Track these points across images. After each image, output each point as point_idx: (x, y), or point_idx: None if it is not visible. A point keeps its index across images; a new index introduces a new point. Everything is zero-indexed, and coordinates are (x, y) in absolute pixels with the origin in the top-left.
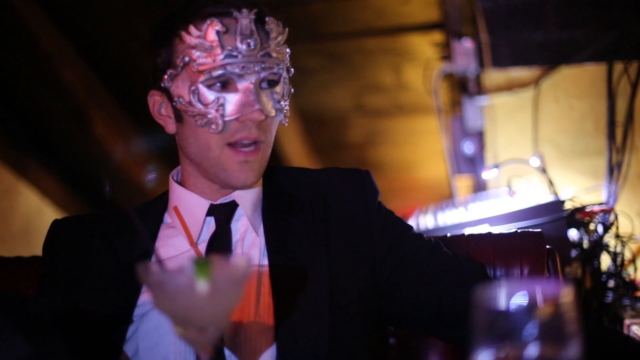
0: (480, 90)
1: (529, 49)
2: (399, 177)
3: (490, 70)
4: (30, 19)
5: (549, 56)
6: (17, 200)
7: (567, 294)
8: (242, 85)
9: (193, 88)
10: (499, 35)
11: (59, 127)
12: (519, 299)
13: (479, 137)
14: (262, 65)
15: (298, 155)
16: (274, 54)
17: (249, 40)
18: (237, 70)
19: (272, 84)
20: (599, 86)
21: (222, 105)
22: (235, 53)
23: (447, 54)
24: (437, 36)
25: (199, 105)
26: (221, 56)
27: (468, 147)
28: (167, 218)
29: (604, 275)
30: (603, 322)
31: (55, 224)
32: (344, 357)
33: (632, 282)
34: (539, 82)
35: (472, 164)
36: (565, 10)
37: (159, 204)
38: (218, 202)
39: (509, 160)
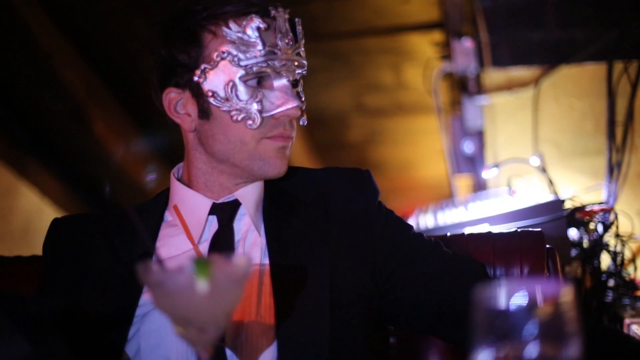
0: (480, 89)
1: (529, 48)
2: (399, 176)
3: (490, 70)
4: (30, 19)
5: (549, 56)
6: (17, 199)
7: (567, 294)
8: (279, 82)
9: (231, 84)
10: (498, 35)
11: (59, 127)
12: (519, 299)
13: (479, 136)
14: (297, 64)
15: (298, 155)
16: (303, 54)
17: (287, 38)
18: (277, 67)
19: (296, 83)
20: (599, 86)
21: (261, 101)
22: (276, 50)
23: (447, 54)
24: (437, 36)
25: (236, 101)
26: (263, 52)
27: (468, 147)
28: (168, 216)
29: (604, 275)
30: (603, 322)
31: (55, 222)
32: (345, 356)
33: (632, 282)
34: (538, 81)
35: (472, 163)
36: (565, 10)
37: (160, 201)
38: (220, 200)
39: (509, 160)
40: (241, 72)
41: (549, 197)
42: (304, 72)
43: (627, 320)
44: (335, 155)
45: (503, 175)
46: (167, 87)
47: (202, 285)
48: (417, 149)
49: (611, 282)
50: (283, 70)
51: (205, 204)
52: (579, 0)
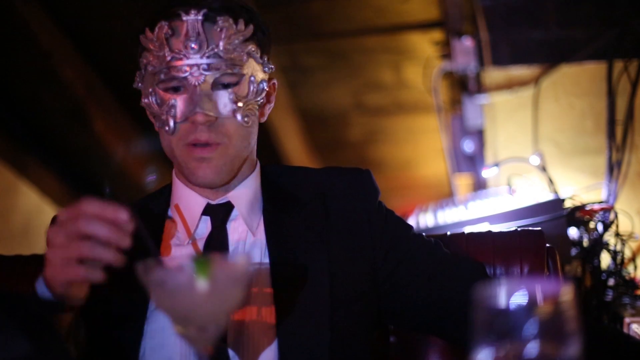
0: (480, 88)
1: (529, 47)
2: (399, 175)
3: (490, 69)
4: (30, 17)
5: (549, 54)
6: (17, 198)
7: (567, 293)
8: (190, 87)
9: (151, 90)
10: (499, 34)
11: (58, 125)
12: (519, 298)
13: (479, 135)
14: (208, 67)
15: (298, 154)
16: (226, 55)
17: (192, 43)
18: (181, 74)
19: (232, 84)
20: (599, 84)
21: (173, 107)
22: (179, 56)
23: (447, 53)
24: (437, 34)
25: (156, 107)
26: (168, 59)
27: (468, 146)
28: (170, 213)
29: (603, 274)
30: (603, 321)
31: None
32: (345, 355)
33: (632, 281)
34: (539, 80)
35: (472, 162)
36: (565, 9)
37: (162, 198)
38: (215, 202)
39: (509, 159)
40: (156, 78)
41: (549, 196)
42: (236, 71)
43: (627, 319)
44: (335, 155)
45: (503, 174)
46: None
47: (202, 284)
48: (417, 148)
49: (611, 281)
50: (188, 75)
51: (200, 202)
52: None
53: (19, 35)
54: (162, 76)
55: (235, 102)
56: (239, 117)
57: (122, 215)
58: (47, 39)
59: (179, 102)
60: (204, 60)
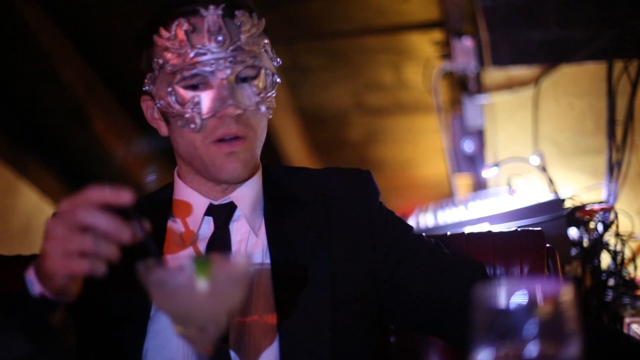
0: (480, 88)
1: (529, 47)
2: (399, 175)
3: (491, 69)
4: (30, 17)
5: (549, 55)
6: (17, 199)
7: (567, 293)
8: (215, 82)
9: (169, 89)
10: (499, 34)
11: (58, 125)
12: (519, 298)
13: (479, 135)
14: (234, 60)
15: (298, 154)
16: (247, 47)
17: (217, 37)
18: (207, 68)
19: (251, 77)
20: (599, 84)
21: (198, 103)
22: (203, 51)
23: (447, 53)
24: (437, 35)
25: (177, 106)
26: (191, 55)
27: (468, 146)
28: (173, 213)
29: (604, 274)
30: (603, 321)
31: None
32: (346, 355)
33: (632, 281)
34: (539, 80)
35: (472, 162)
36: (565, 9)
37: (163, 198)
38: (218, 202)
39: (509, 159)
40: (176, 77)
41: (549, 196)
42: (256, 64)
43: (627, 320)
44: (335, 155)
45: (503, 175)
46: (142, 95)
47: (202, 284)
48: (417, 148)
49: (611, 281)
50: (215, 70)
51: (202, 203)
52: None
53: (19, 35)
54: (185, 73)
55: (258, 95)
56: (263, 108)
57: (125, 196)
58: (47, 39)
59: (205, 98)
60: (229, 54)
